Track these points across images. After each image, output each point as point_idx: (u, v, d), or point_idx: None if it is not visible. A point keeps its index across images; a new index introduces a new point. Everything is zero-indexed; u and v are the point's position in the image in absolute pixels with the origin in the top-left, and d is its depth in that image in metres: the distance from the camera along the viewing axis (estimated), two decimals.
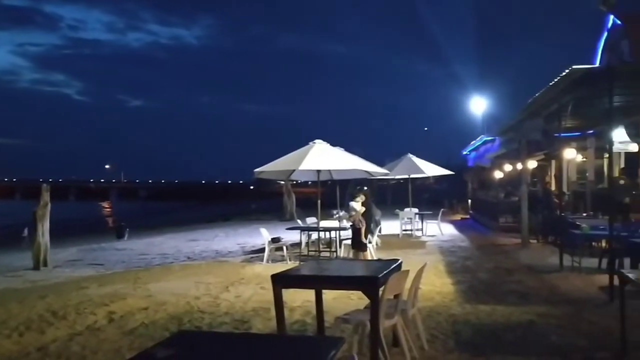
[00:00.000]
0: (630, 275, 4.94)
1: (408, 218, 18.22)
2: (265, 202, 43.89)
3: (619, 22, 17.93)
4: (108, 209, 64.17)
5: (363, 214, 11.18)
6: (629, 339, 5.17)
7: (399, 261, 5.52)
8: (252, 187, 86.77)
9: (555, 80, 9.17)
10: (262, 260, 11.85)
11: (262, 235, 12.13)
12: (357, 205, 11.12)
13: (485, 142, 22.00)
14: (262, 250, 12.27)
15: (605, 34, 19.22)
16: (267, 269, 10.34)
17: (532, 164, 20.40)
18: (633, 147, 14.56)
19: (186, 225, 24.91)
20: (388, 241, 15.57)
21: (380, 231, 13.56)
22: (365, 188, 13.28)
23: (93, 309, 7.48)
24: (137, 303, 7.90)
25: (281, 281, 4.85)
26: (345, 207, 19.78)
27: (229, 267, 11.54)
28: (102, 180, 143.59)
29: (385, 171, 14.15)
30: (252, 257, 12.89)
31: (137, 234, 20.58)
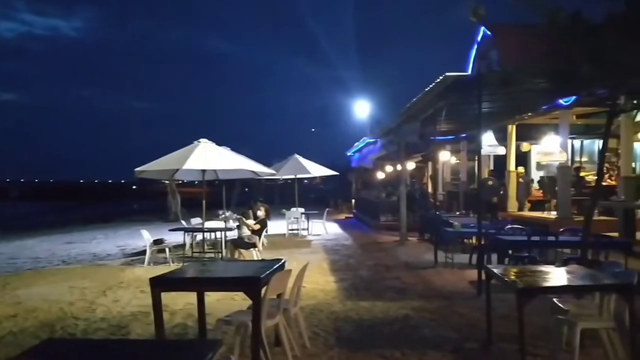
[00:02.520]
0: (496, 270, 5.28)
1: (294, 217, 18.42)
2: (149, 203, 42.39)
3: (489, 32, 19.26)
4: None
5: (260, 222, 11.73)
6: (494, 330, 5.59)
7: (283, 261, 5.57)
8: (134, 187, 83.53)
9: (431, 86, 9.71)
10: (143, 262, 11.46)
11: (144, 237, 11.72)
12: (250, 221, 11.71)
13: (367, 144, 22.74)
14: (144, 252, 11.86)
15: (477, 43, 20.58)
16: (148, 271, 10.03)
17: (410, 165, 21.45)
18: (501, 150, 15.76)
19: (62, 227, 23.44)
20: (274, 241, 15.66)
21: (266, 231, 13.61)
22: (261, 199, 13.58)
23: None
24: (4, 310, 7.40)
25: (160, 284, 4.73)
26: (232, 207, 19.68)
27: (107, 270, 11.05)
28: None
29: (272, 171, 14.20)
30: (132, 260, 12.41)
31: (7, 236, 19.06)
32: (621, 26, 5.60)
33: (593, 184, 8.20)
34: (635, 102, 6.41)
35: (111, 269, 11.27)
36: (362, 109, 32.09)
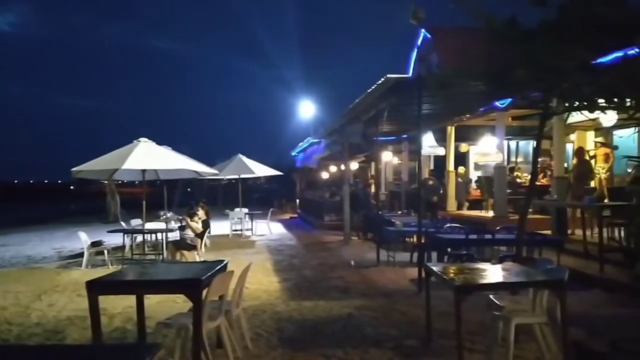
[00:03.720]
0: (435, 268, 5.40)
1: (238, 218, 18.28)
2: (87, 203, 41.08)
3: (429, 35, 19.69)
4: None
5: (203, 223, 11.64)
6: (434, 327, 5.73)
7: (225, 262, 5.52)
8: (72, 187, 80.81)
9: (373, 87, 9.85)
10: (80, 265, 11.11)
11: (81, 239, 11.36)
12: (196, 224, 11.53)
13: (312, 144, 22.82)
14: (81, 255, 11.51)
15: (417, 46, 21.00)
16: (85, 274, 9.74)
17: (354, 165, 21.65)
18: (440, 151, 16.14)
19: None
20: (218, 242, 15.49)
21: (209, 232, 13.45)
22: (204, 200, 13.45)
23: None
24: None
25: (97, 288, 4.60)
26: (174, 208, 19.34)
27: (43, 273, 10.65)
28: None
29: (215, 171, 14.08)
30: (69, 263, 12.01)
31: None
32: (553, 32, 5.82)
33: (528, 184, 8.51)
34: (567, 104, 6.68)
35: (47, 272, 10.88)
36: (306, 109, 32.17)
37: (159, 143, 11.78)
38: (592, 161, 12.63)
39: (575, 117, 7.39)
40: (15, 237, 18.80)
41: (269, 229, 18.66)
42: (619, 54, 5.24)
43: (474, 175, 18.51)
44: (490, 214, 13.85)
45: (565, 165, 12.79)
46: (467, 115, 14.48)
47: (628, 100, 4.78)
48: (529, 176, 7.69)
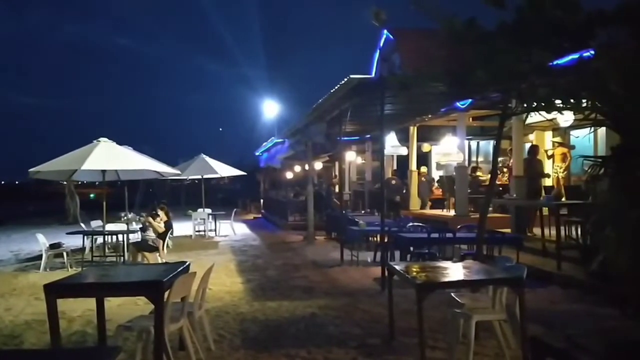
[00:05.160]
0: (397, 267, 5.46)
1: (201, 219, 18.11)
2: (45, 204, 40.06)
3: (391, 36, 19.87)
4: None
5: (165, 224, 11.54)
6: (396, 325, 5.78)
7: (187, 263, 5.47)
8: (31, 188, 78.69)
9: (336, 87, 9.88)
10: (38, 268, 10.84)
11: (39, 241, 11.09)
12: (158, 225, 11.44)
13: (275, 144, 22.76)
14: (40, 257, 11.23)
15: (379, 47, 21.19)
16: (44, 277, 9.49)
17: (317, 165, 21.69)
18: (403, 151, 16.31)
19: None
20: (180, 242, 15.33)
21: (172, 233, 13.29)
22: (164, 201, 13.30)
23: None
24: None
25: (55, 290, 4.50)
26: (135, 209, 19.03)
27: None
28: None
29: (177, 171, 13.89)
30: (27, 266, 11.71)
31: None
32: (510, 34, 5.93)
33: (488, 183, 8.67)
34: (525, 105, 6.81)
35: (4, 275, 10.59)
36: (270, 108, 32.05)
37: (120, 143, 11.58)
38: (550, 160, 12.96)
39: (534, 117, 7.56)
40: None
41: (233, 230, 18.54)
42: (575, 56, 5.37)
43: (436, 174, 18.76)
44: (452, 213, 14.07)
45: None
46: (429, 116, 14.66)
47: (584, 101, 4.91)
48: (490, 175, 7.82)
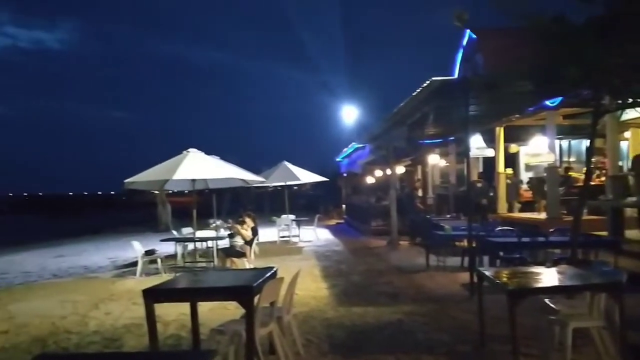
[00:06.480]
0: (487, 273, 5.32)
1: (285, 225, 18.41)
2: (139, 213, 42.09)
3: (474, 36, 19.43)
4: None
5: (252, 230, 11.83)
6: (487, 332, 5.63)
7: (274, 269, 5.57)
8: (124, 198, 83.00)
9: (417, 90, 9.78)
10: (134, 274, 11.40)
11: (135, 248, 11.67)
12: (245, 232, 11.71)
13: (356, 149, 22.81)
14: (135, 263, 11.80)
15: (462, 47, 20.76)
16: (139, 283, 9.99)
17: (399, 169, 21.51)
18: (489, 152, 15.86)
19: (52, 240, 23.27)
20: (266, 248, 15.63)
21: (258, 239, 13.60)
22: (250, 208, 13.68)
23: None
24: None
25: (153, 296, 4.72)
26: (222, 216, 19.63)
27: (99, 283, 10.99)
28: None
29: (262, 179, 14.22)
30: (124, 272, 12.36)
31: None
32: (602, 28, 5.67)
33: (581, 184, 8.27)
34: (619, 102, 6.47)
35: (102, 281, 11.21)
36: (350, 114, 32.14)
37: (207, 153, 11.98)
38: None
39: (629, 114, 7.16)
40: (72, 247, 19.45)
41: (316, 235, 18.72)
42: None
43: (525, 176, 18.11)
44: (543, 215, 13.51)
45: (620, 163, 12.37)
46: (516, 116, 14.19)
47: None
48: (583, 176, 7.47)
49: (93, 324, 7.36)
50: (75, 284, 11.09)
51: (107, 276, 11.91)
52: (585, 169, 7.21)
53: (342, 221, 27.98)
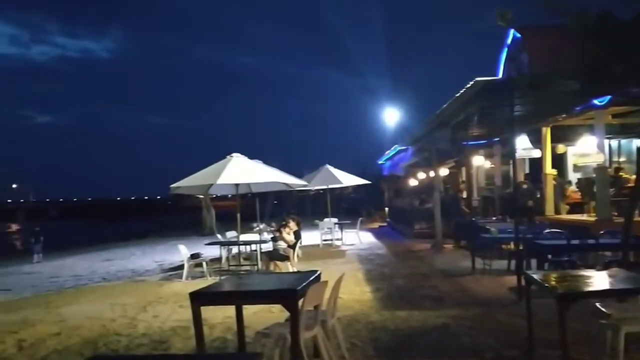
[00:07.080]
0: (535, 276, 5.21)
1: (328, 228, 18.45)
2: (184, 217, 42.92)
3: (518, 35, 19.06)
4: (15, 230, 60.44)
5: (295, 234, 11.94)
6: (535, 336, 5.50)
7: (318, 272, 5.59)
8: (169, 202, 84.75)
9: (461, 91, 9.66)
10: (180, 277, 11.61)
11: (181, 252, 11.89)
12: (288, 236, 11.94)
13: (398, 152, 22.65)
14: (181, 267, 12.03)
15: (506, 46, 20.39)
16: (186, 286, 10.16)
17: (443, 171, 21.25)
18: (536, 153, 15.50)
19: (100, 244, 23.99)
20: (309, 252, 15.69)
21: (301, 243, 13.67)
22: (294, 212, 13.79)
23: (1, 337, 7.09)
24: (48, 329, 7.57)
25: (199, 299, 4.80)
26: (265, 219, 19.80)
27: (146, 286, 11.24)
28: (9, 201, 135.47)
29: (304, 182, 14.30)
30: (170, 275, 12.60)
31: (47, 255, 19.56)
32: None
33: (632, 184, 8.00)
34: None
35: (150, 284, 11.46)
36: (391, 116, 31.95)
37: (250, 157, 12.12)
38: None
39: None
40: (119, 251, 19.97)
41: (359, 238, 18.68)
42: None
43: (573, 177, 17.63)
44: (593, 217, 13.12)
45: None
46: (563, 115, 13.84)
47: None
48: (634, 176, 7.23)
49: (141, 326, 7.52)
50: (124, 287, 11.37)
51: (154, 279, 12.17)
52: (636, 169, 6.97)
53: (384, 224, 27.85)
